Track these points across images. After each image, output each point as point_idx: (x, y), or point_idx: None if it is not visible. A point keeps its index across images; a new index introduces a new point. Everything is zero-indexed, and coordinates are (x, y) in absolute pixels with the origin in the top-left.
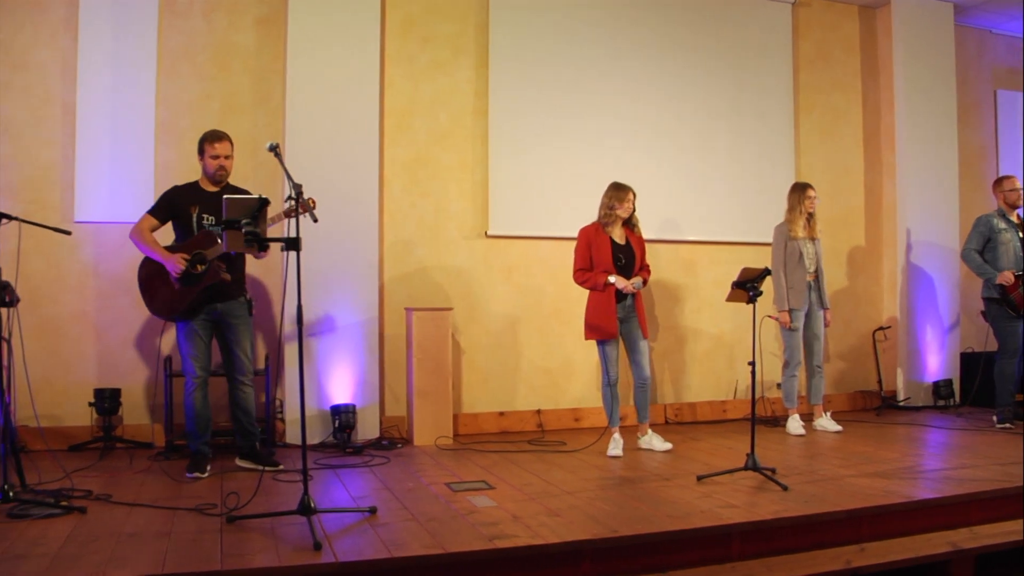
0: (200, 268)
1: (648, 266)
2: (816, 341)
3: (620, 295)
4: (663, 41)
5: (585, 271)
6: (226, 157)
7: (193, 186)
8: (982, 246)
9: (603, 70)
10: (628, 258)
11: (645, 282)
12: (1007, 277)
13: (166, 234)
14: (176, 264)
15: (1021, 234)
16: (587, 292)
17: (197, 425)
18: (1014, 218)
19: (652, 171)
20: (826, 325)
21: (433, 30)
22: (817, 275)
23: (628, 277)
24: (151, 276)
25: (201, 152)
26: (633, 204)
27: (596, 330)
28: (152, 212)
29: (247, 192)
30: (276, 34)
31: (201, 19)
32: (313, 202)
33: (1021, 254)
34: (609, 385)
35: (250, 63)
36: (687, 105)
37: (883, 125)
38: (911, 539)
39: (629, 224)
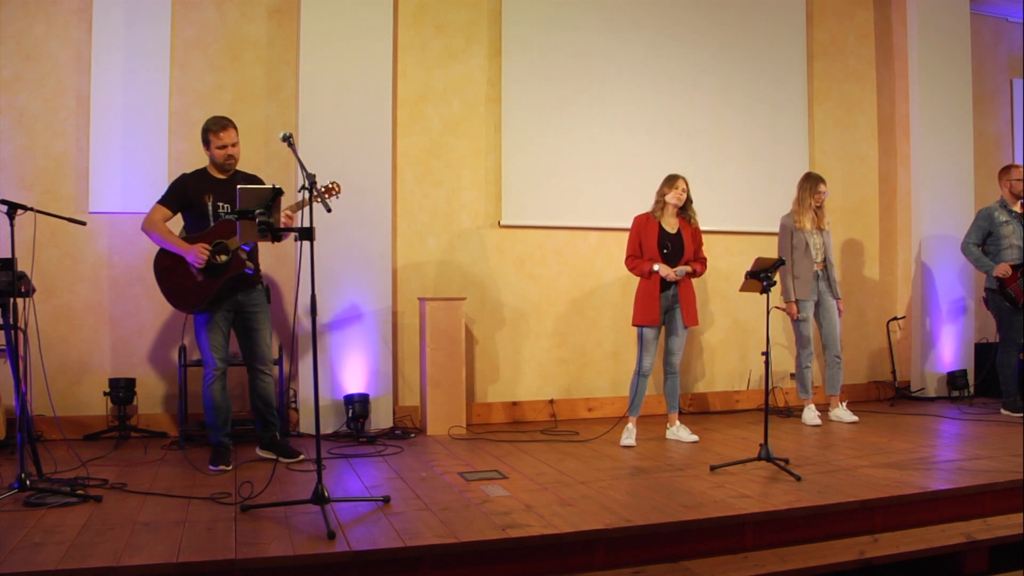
0: (222, 258)
1: (704, 259)
2: (831, 332)
3: (665, 283)
4: (677, 29)
5: (634, 258)
6: (233, 145)
7: (202, 174)
8: (982, 240)
9: (616, 58)
10: (676, 246)
11: (696, 273)
12: (1004, 270)
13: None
14: (199, 255)
15: None
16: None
17: (218, 417)
18: (1017, 208)
19: (666, 160)
20: (839, 314)
21: (446, 18)
22: (826, 265)
23: (674, 265)
24: (170, 269)
25: (207, 142)
26: (685, 192)
27: (638, 316)
28: (163, 202)
29: (257, 178)
30: (289, 24)
31: (214, 10)
32: (338, 186)
33: (1023, 245)
34: (640, 374)
35: (262, 53)
36: (700, 94)
37: (898, 114)
38: (925, 530)
39: (685, 215)
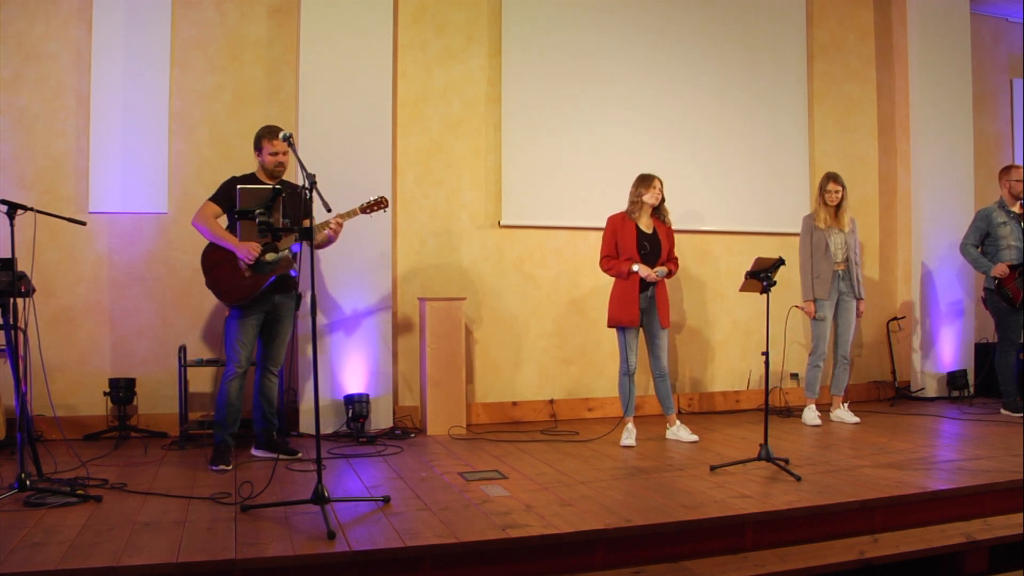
0: (271, 256)
1: (676, 258)
2: (844, 331)
3: (644, 284)
4: (677, 29)
5: (611, 258)
6: (284, 153)
7: (252, 179)
8: (979, 241)
9: (616, 58)
10: (653, 247)
11: (671, 273)
12: (1001, 270)
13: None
14: (250, 252)
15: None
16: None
17: (228, 415)
18: (1016, 209)
19: (666, 160)
20: (858, 315)
21: (446, 18)
22: (847, 265)
23: (652, 266)
24: (218, 263)
25: (259, 148)
26: (661, 192)
27: (617, 318)
28: (215, 200)
29: (299, 187)
30: (288, 24)
31: (214, 10)
32: (386, 201)
33: (1021, 246)
34: (626, 374)
35: (262, 53)
36: (701, 94)
37: (898, 114)
38: (925, 530)
39: (658, 214)
